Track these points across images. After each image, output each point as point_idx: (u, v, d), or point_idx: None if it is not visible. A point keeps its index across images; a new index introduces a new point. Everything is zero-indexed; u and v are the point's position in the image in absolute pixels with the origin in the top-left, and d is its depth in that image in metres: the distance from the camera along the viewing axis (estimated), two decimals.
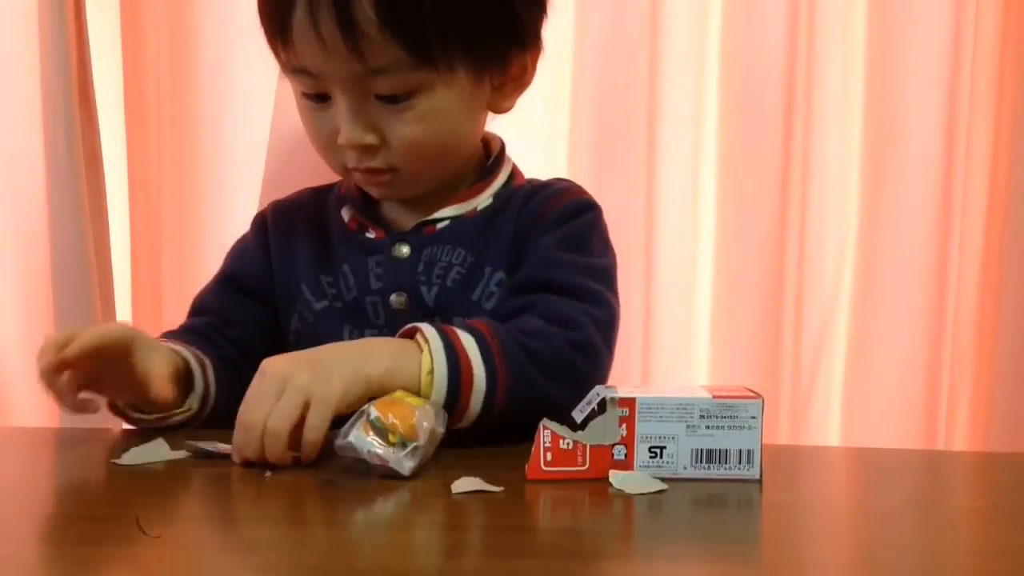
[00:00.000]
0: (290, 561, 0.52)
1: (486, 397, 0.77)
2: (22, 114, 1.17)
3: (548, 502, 0.65)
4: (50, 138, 1.15)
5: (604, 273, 0.89)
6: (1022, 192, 1.22)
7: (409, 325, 0.79)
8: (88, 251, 1.15)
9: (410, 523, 0.62)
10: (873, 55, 1.27)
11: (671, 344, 1.28)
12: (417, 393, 0.75)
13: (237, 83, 1.25)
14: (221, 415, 0.85)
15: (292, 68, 0.85)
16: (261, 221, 1.00)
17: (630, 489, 0.66)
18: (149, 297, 1.26)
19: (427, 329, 0.77)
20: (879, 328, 1.28)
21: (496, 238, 0.90)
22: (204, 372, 0.86)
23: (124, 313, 1.25)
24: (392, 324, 0.88)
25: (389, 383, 0.74)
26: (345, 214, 0.96)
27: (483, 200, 0.92)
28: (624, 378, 1.21)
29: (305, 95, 0.87)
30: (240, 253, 1.00)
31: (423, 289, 0.90)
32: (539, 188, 0.94)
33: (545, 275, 0.85)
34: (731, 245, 1.28)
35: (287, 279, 0.96)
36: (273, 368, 0.71)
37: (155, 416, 0.82)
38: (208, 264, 1.23)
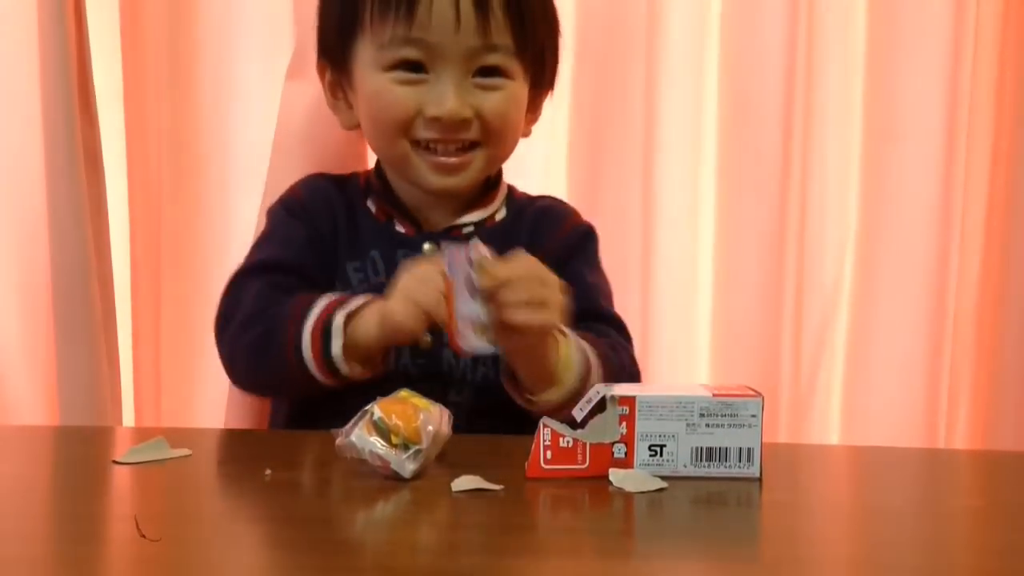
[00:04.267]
0: (291, 561, 0.52)
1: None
2: (22, 114, 1.17)
3: (548, 500, 0.65)
4: (50, 138, 1.14)
5: (612, 298, 1.02)
6: (1022, 192, 1.22)
7: None
8: (88, 251, 1.15)
9: (410, 521, 0.62)
10: (873, 55, 1.27)
11: (671, 343, 1.28)
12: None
13: (238, 83, 1.25)
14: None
15: (403, 39, 0.93)
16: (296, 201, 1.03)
17: (630, 487, 0.66)
18: (149, 297, 1.26)
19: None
20: (879, 327, 1.28)
21: (516, 245, 0.95)
22: None
23: (124, 313, 1.24)
24: None
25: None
26: (372, 205, 1.01)
27: (496, 206, 1.02)
28: None
29: (397, 69, 0.94)
30: (284, 229, 1.01)
31: None
32: (546, 208, 1.06)
33: (594, 305, 0.98)
34: (731, 244, 1.28)
35: (325, 260, 0.99)
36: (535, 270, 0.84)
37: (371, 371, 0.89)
38: (208, 264, 1.23)
